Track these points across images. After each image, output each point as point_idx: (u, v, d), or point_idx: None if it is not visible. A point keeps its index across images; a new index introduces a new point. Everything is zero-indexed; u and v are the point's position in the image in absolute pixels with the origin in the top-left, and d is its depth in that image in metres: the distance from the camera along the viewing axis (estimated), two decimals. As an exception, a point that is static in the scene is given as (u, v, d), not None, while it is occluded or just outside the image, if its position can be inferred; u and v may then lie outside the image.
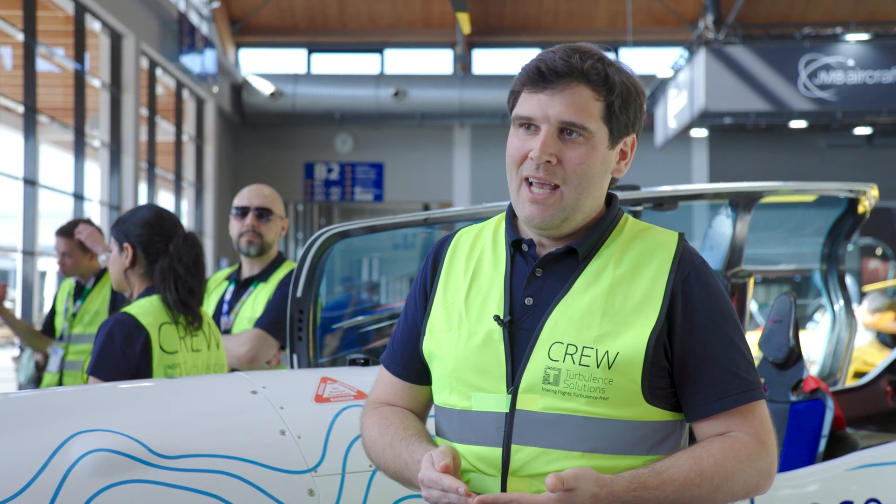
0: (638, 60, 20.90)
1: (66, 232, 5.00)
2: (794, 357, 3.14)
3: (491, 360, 1.59)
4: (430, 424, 1.76)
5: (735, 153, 19.51)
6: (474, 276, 1.67)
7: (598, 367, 1.54)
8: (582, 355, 1.54)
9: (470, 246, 1.71)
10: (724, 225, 3.41)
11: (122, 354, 2.74)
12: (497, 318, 1.60)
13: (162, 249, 2.91)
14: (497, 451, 1.56)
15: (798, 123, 17.21)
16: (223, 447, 2.08)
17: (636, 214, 3.13)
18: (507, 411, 1.56)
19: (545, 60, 1.59)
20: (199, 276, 2.95)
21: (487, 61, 21.43)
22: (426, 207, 19.62)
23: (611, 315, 1.56)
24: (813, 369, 4.02)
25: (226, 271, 3.94)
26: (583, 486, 1.43)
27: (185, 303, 2.88)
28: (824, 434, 3.01)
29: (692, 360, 1.57)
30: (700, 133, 18.50)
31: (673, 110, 15.96)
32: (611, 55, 1.64)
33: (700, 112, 14.08)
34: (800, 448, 3.03)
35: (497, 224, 1.72)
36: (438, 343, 1.66)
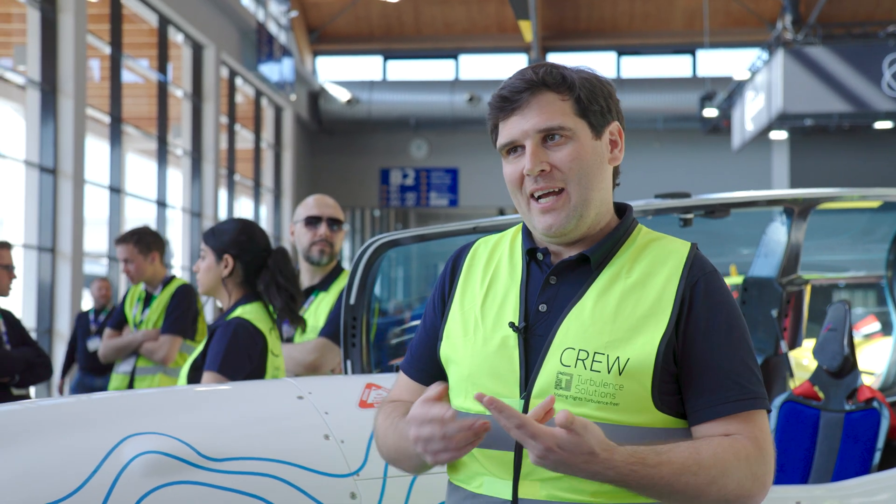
0: (714, 62, 20.63)
1: (122, 239, 5.14)
2: (848, 366, 3.11)
3: (505, 366, 1.63)
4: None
5: (818, 155, 19.09)
6: (491, 284, 1.71)
7: (608, 372, 1.57)
8: (593, 361, 1.57)
9: (488, 255, 1.76)
10: (779, 232, 3.39)
11: (247, 356, 2.97)
12: (512, 324, 1.64)
13: (261, 262, 3.13)
14: (509, 455, 1.60)
15: (884, 124, 16.76)
16: (268, 451, 2.16)
17: (686, 222, 3.14)
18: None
19: (505, 87, 1.68)
20: (297, 286, 3.19)
21: (563, 65, 21.36)
22: (501, 212, 19.64)
23: (622, 321, 1.60)
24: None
25: None
26: (587, 438, 1.45)
27: (291, 310, 3.12)
28: (879, 444, 2.97)
29: (695, 365, 1.59)
30: (780, 135, 18.16)
31: (750, 113, 15.70)
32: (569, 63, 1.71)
33: (778, 114, 13.82)
34: (854, 458, 3.00)
35: (514, 234, 1.77)
36: (455, 348, 1.71)
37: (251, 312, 3.05)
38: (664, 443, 1.54)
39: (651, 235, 1.71)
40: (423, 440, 1.53)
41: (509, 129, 1.67)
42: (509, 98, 1.66)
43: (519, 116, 1.65)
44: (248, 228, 3.17)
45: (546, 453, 1.45)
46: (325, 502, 2.13)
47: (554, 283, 1.66)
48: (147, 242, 5.09)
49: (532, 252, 1.70)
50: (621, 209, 1.74)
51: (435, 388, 1.55)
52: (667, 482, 1.50)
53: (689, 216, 3.12)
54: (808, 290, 3.44)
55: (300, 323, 3.19)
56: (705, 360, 1.59)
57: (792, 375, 3.40)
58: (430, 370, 1.78)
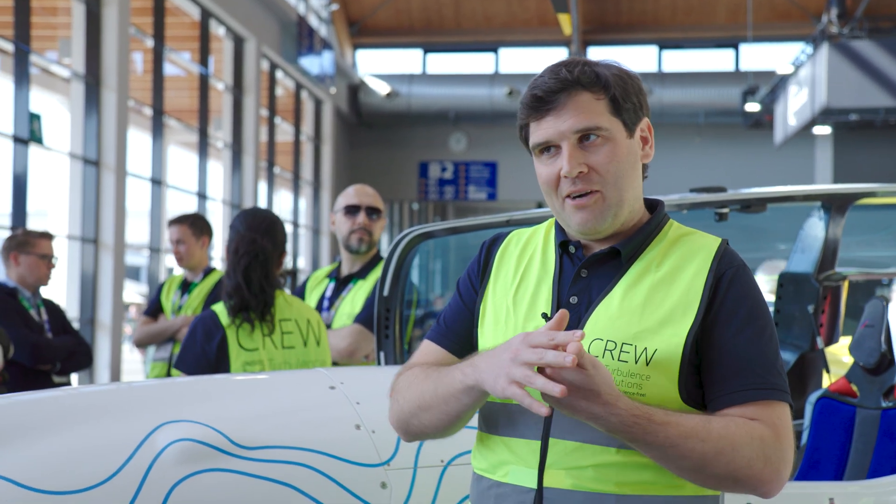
0: (757, 56, 20.40)
1: (177, 220, 5.22)
2: (885, 362, 3.07)
3: None
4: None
5: (862, 151, 18.76)
6: (523, 275, 1.72)
7: (636, 363, 1.58)
8: (621, 352, 1.58)
9: (521, 248, 1.77)
10: (816, 228, 3.36)
11: (202, 351, 2.95)
12: (545, 315, 1.65)
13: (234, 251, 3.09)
14: (535, 444, 1.61)
15: (931, 119, 16.47)
16: (300, 440, 2.18)
17: (722, 216, 3.12)
18: (547, 405, 1.59)
19: (538, 86, 1.66)
20: (250, 282, 3.04)
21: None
22: (539, 206, 19.59)
23: (650, 313, 1.61)
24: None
25: (326, 269, 4.10)
26: (594, 376, 1.45)
27: (237, 308, 3.01)
28: (916, 442, 2.93)
29: (715, 352, 1.60)
30: (824, 130, 17.90)
31: (793, 107, 15.50)
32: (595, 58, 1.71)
33: (821, 109, 13.63)
34: (890, 455, 2.97)
35: (548, 228, 1.78)
36: (486, 337, 1.72)
37: (222, 305, 3.06)
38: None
39: (682, 230, 1.72)
40: (524, 349, 1.47)
41: (544, 130, 1.66)
42: (544, 98, 1.65)
43: (554, 117, 1.65)
44: (235, 219, 3.15)
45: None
46: (355, 491, 2.16)
47: (585, 275, 1.67)
48: (200, 226, 5.19)
49: (564, 245, 1.71)
50: (653, 204, 1.74)
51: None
52: (672, 443, 1.50)
53: (725, 210, 3.11)
54: (845, 286, 3.41)
55: (263, 320, 3.09)
56: (725, 347, 1.59)
57: (828, 371, 3.37)
58: (463, 341, 1.76)
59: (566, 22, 13.23)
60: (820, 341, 3.33)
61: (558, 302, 1.67)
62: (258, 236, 3.07)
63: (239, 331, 2.99)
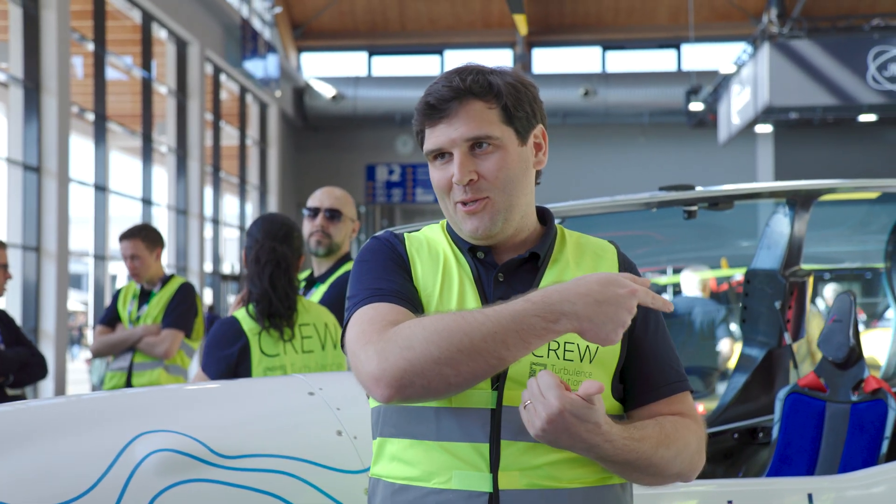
0: (700, 56, 20.68)
1: (129, 234, 5.10)
2: (854, 357, 3.11)
3: None
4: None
5: (802, 149, 19.15)
6: (444, 276, 1.69)
7: (581, 360, 1.61)
8: (565, 350, 1.61)
9: (427, 247, 1.73)
10: (781, 224, 3.39)
11: (225, 356, 2.98)
12: None
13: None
14: (483, 447, 1.57)
15: (867, 117, 16.82)
16: (281, 447, 2.13)
17: (691, 214, 3.13)
18: (494, 407, 1.58)
19: (432, 94, 1.68)
20: (276, 289, 3.07)
21: (547, 60, 21.40)
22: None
23: None
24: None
25: (305, 273, 4.06)
26: (598, 408, 1.47)
27: (265, 314, 3.06)
28: (887, 435, 2.97)
29: (640, 353, 1.67)
30: (765, 129, 18.20)
31: (736, 106, 15.74)
32: (492, 65, 1.73)
33: (764, 107, 13.86)
34: (861, 449, 3.00)
35: (442, 230, 1.76)
36: None
37: (243, 312, 3.10)
38: (633, 423, 1.61)
39: (575, 234, 1.77)
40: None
41: (436, 137, 1.68)
42: (436, 106, 1.67)
43: (446, 125, 1.67)
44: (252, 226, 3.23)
45: (557, 417, 1.44)
46: (339, 498, 2.12)
47: (502, 280, 1.68)
48: (153, 239, 5.10)
49: (473, 250, 1.71)
50: (543, 213, 1.78)
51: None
52: (647, 456, 1.56)
53: (694, 208, 3.12)
54: (810, 281, 3.44)
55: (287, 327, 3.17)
56: (646, 345, 1.67)
57: (797, 366, 3.40)
58: (419, 307, 1.64)
59: (522, 23, 13.27)
60: (787, 337, 3.36)
61: (485, 304, 1.63)
62: (277, 244, 3.11)
63: (262, 337, 3.02)
